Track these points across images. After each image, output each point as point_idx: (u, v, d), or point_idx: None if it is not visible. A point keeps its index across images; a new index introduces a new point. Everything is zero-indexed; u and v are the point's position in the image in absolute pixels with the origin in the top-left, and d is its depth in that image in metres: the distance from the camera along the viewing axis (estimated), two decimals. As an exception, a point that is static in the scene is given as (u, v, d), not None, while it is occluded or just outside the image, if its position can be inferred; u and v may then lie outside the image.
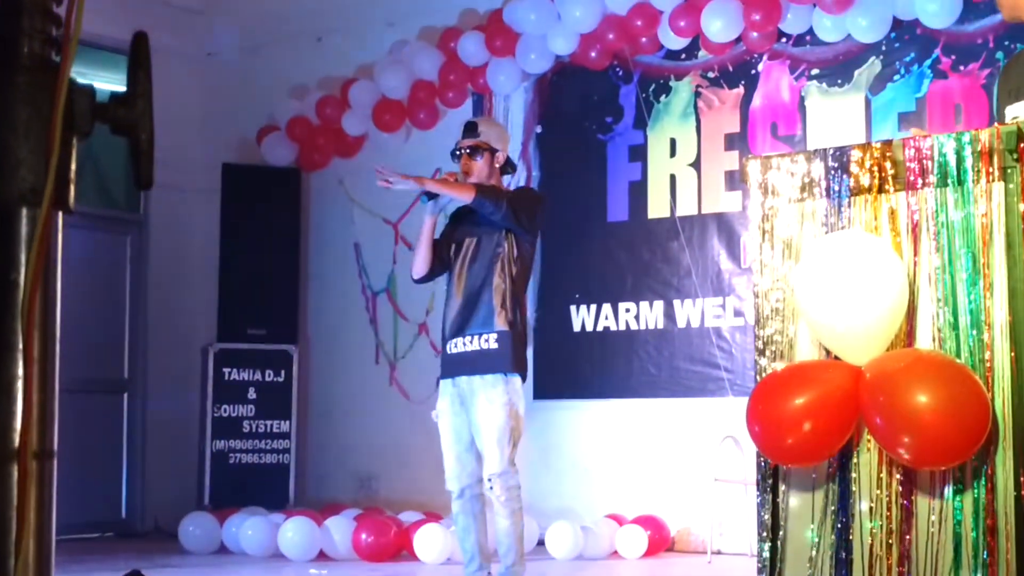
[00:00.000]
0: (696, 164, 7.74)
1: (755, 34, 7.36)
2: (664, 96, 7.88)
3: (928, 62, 7.02)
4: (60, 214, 1.50)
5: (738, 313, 7.46)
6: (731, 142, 7.61)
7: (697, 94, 7.77)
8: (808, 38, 7.35)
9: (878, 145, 3.54)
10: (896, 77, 7.13)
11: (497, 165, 5.10)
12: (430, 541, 6.87)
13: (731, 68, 7.65)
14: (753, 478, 3.77)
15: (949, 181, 3.38)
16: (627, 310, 7.88)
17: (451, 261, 5.08)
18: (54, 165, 1.45)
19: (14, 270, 1.45)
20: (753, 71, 7.58)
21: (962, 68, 6.91)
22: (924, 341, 3.42)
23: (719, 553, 7.18)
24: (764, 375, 3.62)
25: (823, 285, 3.43)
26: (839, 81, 7.31)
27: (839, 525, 3.48)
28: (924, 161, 3.42)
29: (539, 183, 8.24)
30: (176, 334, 9.12)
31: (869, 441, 3.44)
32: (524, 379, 4.98)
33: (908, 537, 3.37)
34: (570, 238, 8.10)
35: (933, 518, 3.34)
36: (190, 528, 7.69)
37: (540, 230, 5.28)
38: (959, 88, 6.91)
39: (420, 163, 7.37)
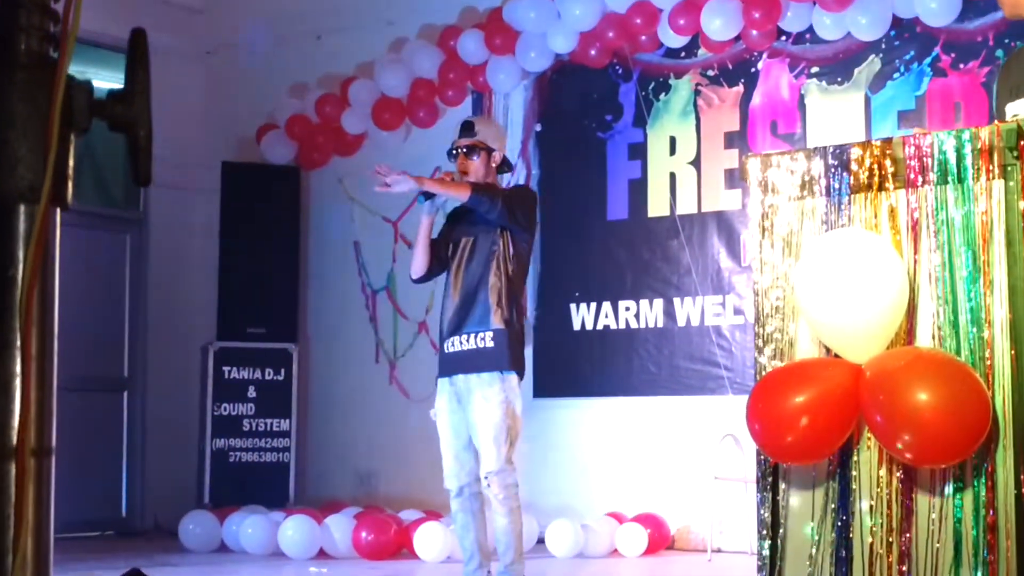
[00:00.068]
0: (696, 162, 7.74)
1: (755, 32, 7.36)
2: (664, 94, 7.88)
3: (928, 60, 7.02)
4: (58, 211, 1.50)
5: (738, 311, 7.46)
6: (731, 140, 7.61)
7: (697, 92, 7.76)
8: (808, 36, 7.35)
9: (878, 143, 3.53)
10: (896, 75, 7.13)
11: (494, 164, 5.11)
12: (430, 539, 6.87)
13: (731, 66, 7.64)
14: (753, 476, 3.77)
15: (949, 179, 3.38)
16: (627, 308, 7.88)
17: (449, 260, 5.08)
18: (52, 162, 1.45)
19: (12, 266, 1.45)
20: (753, 69, 7.57)
21: (962, 66, 6.90)
22: (924, 339, 3.42)
23: (719, 551, 7.18)
24: (764, 373, 3.62)
25: (823, 283, 3.42)
26: (839, 79, 7.31)
27: (839, 523, 3.48)
28: (924, 159, 3.41)
29: (539, 181, 8.24)
30: (176, 333, 9.12)
31: (869, 439, 3.44)
32: (521, 377, 4.99)
33: (908, 535, 3.37)
34: (570, 236, 8.10)
35: (933, 516, 3.34)
36: (190, 526, 7.69)
37: (535, 228, 5.28)
38: (959, 86, 6.91)
39: (420, 161, 7.37)
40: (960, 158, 3.36)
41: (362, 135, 8.95)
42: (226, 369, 8.81)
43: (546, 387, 8.07)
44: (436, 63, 8.50)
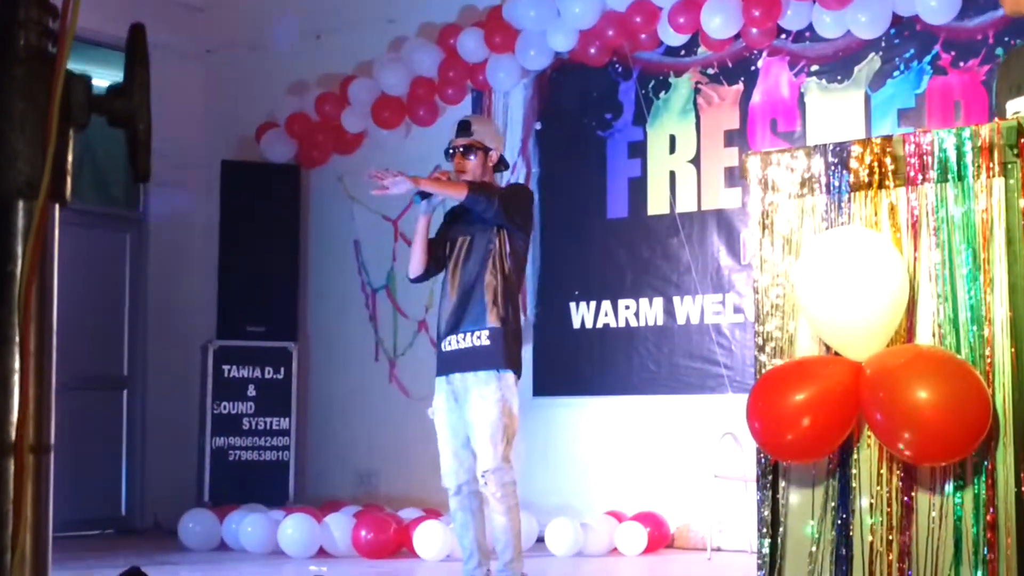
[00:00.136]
0: (696, 160, 7.74)
1: (755, 30, 7.35)
2: (663, 92, 7.88)
3: (928, 58, 7.02)
4: (57, 206, 1.50)
5: (738, 309, 7.46)
6: (731, 138, 7.61)
7: (697, 90, 7.76)
8: (808, 34, 7.35)
9: (878, 141, 3.53)
10: (896, 73, 7.12)
11: (491, 163, 5.12)
12: (430, 538, 6.87)
13: (730, 64, 7.64)
14: (753, 474, 3.77)
15: (949, 176, 3.38)
16: (627, 307, 7.87)
17: (446, 260, 5.09)
18: (51, 157, 1.44)
19: (11, 262, 1.44)
20: (753, 67, 7.57)
21: (962, 64, 6.90)
22: (924, 337, 3.42)
23: (719, 550, 7.17)
24: (764, 371, 3.62)
25: (823, 281, 3.42)
26: (839, 77, 7.30)
27: (839, 521, 3.47)
28: (924, 157, 3.41)
29: (539, 180, 8.24)
30: (175, 331, 9.12)
31: (869, 437, 3.44)
32: (518, 376, 5.00)
33: (908, 533, 3.37)
34: (569, 235, 8.10)
35: (933, 514, 3.33)
36: (190, 525, 7.69)
37: (532, 227, 5.30)
38: (959, 84, 6.91)
39: (419, 160, 7.37)
40: (960, 156, 3.35)
41: (362, 134, 8.95)
42: (226, 368, 8.81)
43: (546, 386, 8.07)
44: (436, 61, 8.50)
